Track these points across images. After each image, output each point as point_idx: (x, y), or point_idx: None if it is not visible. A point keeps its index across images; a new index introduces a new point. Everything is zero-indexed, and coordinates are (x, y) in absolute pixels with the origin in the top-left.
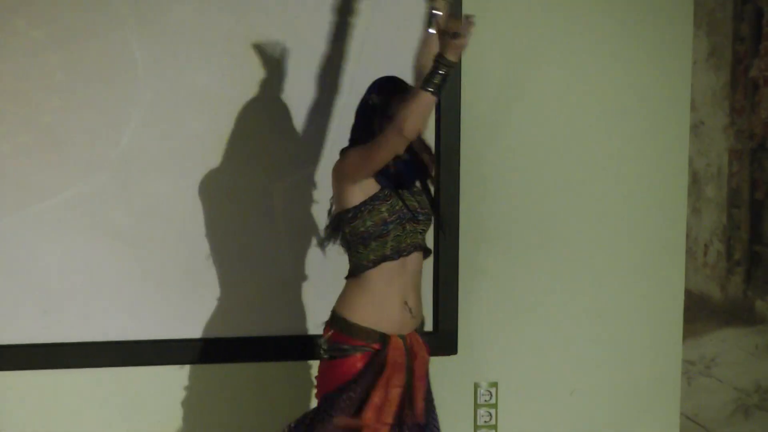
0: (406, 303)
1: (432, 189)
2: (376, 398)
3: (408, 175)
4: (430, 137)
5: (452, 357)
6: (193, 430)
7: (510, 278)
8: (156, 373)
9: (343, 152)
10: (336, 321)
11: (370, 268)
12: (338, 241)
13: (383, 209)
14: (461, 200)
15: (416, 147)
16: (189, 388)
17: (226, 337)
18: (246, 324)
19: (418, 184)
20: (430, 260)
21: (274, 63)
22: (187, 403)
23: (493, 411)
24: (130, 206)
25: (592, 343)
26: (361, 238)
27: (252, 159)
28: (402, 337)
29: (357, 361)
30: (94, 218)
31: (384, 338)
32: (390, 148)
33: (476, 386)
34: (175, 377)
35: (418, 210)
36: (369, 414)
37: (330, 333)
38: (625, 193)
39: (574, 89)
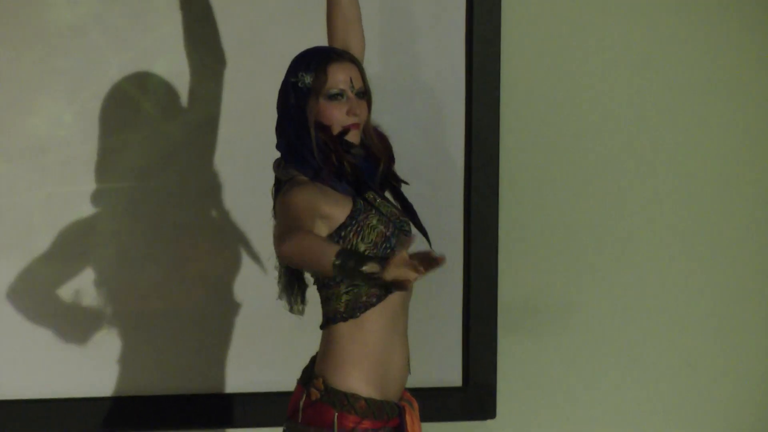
0: (408, 359)
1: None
2: None
3: (369, 172)
4: (458, 140)
5: (488, 422)
6: None
7: (570, 313)
8: None
9: (288, 183)
10: (335, 398)
11: (372, 305)
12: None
13: (374, 222)
14: (500, 211)
15: (366, 135)
16: None
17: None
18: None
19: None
20: (458, 289)
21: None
22: None
23: None
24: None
25: (686, 404)
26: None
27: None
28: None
29: None
30: None
31: (399, 411)
32: (275, 246)
33: None
34: None
35: (399, 216)
36: None
37: (327, 415)
38: (722, 212)
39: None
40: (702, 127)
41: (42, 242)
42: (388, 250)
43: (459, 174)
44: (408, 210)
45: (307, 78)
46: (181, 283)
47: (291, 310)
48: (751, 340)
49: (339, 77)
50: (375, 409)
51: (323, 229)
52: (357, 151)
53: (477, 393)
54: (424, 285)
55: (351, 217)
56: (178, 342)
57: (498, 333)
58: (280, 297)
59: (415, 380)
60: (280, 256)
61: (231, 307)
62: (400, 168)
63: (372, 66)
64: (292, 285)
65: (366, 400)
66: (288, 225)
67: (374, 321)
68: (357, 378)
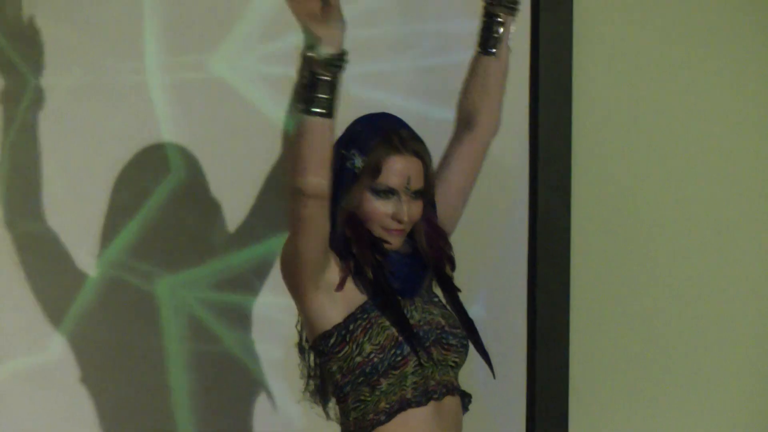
0: None
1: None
2: None
3: (410, 278)
4: (522, 164)
5: None
6: None
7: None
8: None
9: None
10: None
11: (383, 422)
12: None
13: (387, 323)
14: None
15: (416, 229)
16: None
17: None
18: None
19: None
20: (522, 373)
21: None
22: None
23: None
24: None
25: None
26: (362, 375)
27: None
28: None
29: None
30: None
31: None
32: (298, 217)
33: None
34: None
35: (445, 328)
36: None
37: None
38: None
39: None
40: None
41: None
42: (399, 359)
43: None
44: (466, 324)
45: (358, 160)
46: None
47: (328, 417)
48: None
49: (394, 173)
50: None
51: (329, 300)
52: (396, 246)
53: None
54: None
55: (362, 308)
56: None
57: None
58: (309, 400)
59: None
60: (307, 186)
61: None
62: None
63: None
64: (325, 390)
65: None
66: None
67: None
68: None
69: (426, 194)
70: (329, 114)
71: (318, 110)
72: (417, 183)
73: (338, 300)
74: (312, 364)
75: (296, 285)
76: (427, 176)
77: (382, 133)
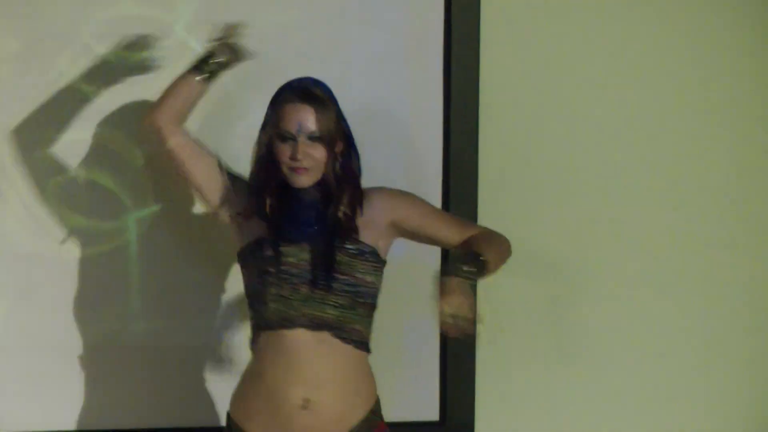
0: (308, 400)
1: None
2: None
3: (305, 219)
4: (436, 149)
5: None
6: None
7: (553, 337)
8: None
9: None
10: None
11: (262, 329)
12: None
13: (258, 257)
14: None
15: (328, 174)
16: None
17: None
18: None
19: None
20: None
21: None
22: None
23: None
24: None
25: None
26: (247, 293)
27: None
28: None
29: None
30: None
31: None
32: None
33: None
34: None
35: (320, 271)
36: None
37: None
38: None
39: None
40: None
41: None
42: (260, 289)
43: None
44: (324, 263)
45: (268, 113)
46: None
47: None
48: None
49: (288, 120)
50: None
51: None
52: (286, 206)
53: (455, 429)
54: (403, 314)
55: (257, 243)
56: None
57: (476, 367)
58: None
59: (394, 415)
60: (151, 118)
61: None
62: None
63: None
64: None
65: (232, 422)
66: None
67: (260, 352)
68: (238, 404)
69: (323, 139)
70: (206, 79)
71: (201, 74)
72: (310, 127)
73: (244, 229)
74: None
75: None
76: (324, 121)
77: (284, 89)
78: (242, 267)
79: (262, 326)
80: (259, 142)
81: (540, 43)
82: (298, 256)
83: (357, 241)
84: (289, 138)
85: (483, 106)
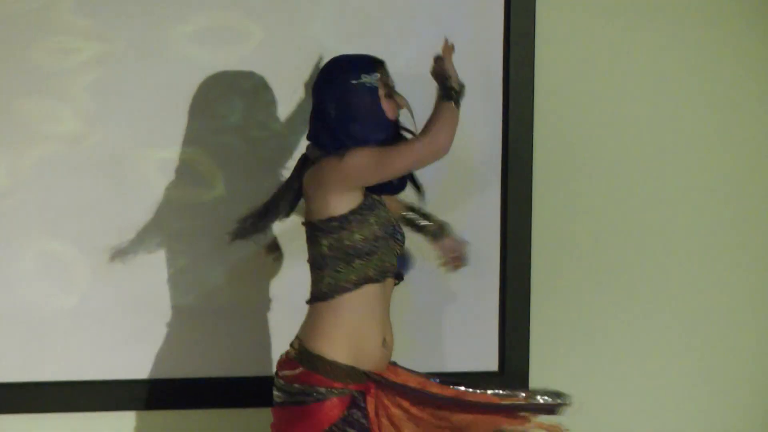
0: (384, 339)
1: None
2: None
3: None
4: (496, 138)
5: None
6: None
7: (600, 307)
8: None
9: (338, 151)
10: (306, 357)
11: (350, 290)
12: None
13: (372, 221)
14: (534, 212)
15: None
16: None
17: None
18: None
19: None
20: (495, 283)
21: None
22: None
23: None
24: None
25: (705, 394)
26: (344, 254)
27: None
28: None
29: (334, 407)
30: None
31: (364, 377)
32: (416, 161)
33: None
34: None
35: (395, 227)
36: None
37: (298, 371)
38: (734, 203)
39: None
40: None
41: (113, 238)
42: (375, 248)
43: (496, 177)
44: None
45: (368, 78)
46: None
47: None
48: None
49: (387, 77)
50: (338, 371)
51: (346, 198)
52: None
53: (513, 378)
54: (462, 277)
55: (361, 207)
56: (235, 331)
57: (531, 327)
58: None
59: (458, 365)
60: (443, 147)
61: (275, 301)
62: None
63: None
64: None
65: (330, 363)
66: (389, 152)
67: (349, 303)
68: (326, 345)
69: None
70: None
71: (456, 103)
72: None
73: (349, 199)
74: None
75: (333, 187)
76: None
77: (362, 58)
78: (354, 225)
79: (368, 279)
80: (378, 102)
81: (594, 43)
82: (388, 216)
83: None
84: (392, 92)
85: (537, 105)
